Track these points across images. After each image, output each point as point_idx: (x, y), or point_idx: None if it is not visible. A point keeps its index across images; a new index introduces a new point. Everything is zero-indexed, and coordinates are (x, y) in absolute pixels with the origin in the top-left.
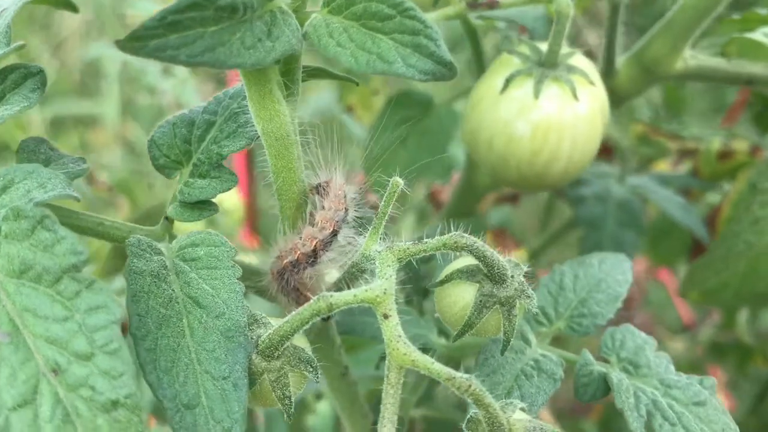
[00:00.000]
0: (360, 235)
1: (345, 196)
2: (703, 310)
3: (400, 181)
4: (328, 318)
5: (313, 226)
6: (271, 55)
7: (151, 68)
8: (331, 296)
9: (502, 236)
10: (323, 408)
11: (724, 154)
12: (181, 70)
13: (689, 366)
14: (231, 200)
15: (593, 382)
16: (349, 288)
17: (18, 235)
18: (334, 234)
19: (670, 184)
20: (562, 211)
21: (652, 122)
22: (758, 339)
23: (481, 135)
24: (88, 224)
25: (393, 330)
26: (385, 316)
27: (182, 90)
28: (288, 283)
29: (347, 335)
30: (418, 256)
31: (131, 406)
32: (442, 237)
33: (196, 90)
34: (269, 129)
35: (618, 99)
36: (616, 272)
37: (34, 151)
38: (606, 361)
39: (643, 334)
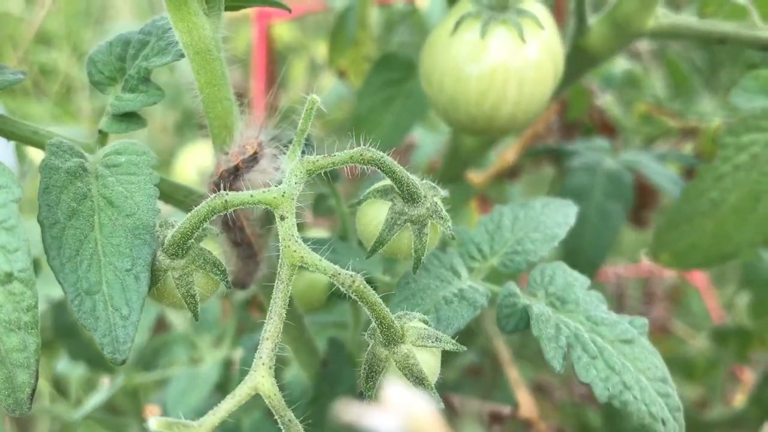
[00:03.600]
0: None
1: (262, 127)
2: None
3: (317, 98)
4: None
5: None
6: None
7: None
8: (227, 194)
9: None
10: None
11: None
12: None
13: (708, 364)
14: None
15: (516, 313)
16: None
17: None
18: (254, 157)
19: (668, 161)
20: None
21: (655, 101)
22: (757, 323)
23: (433, 76)
24: (23, 132)
25: (288, 230)
26: (282, 218)
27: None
28: None
29: None
30: (327, 169)
31: (25, 279)
32: (350, 150)
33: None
34: (189, 41)
35: (591, 59)
36: (557, 215)
37: None
38: (534, 296)
39: (575, 273)
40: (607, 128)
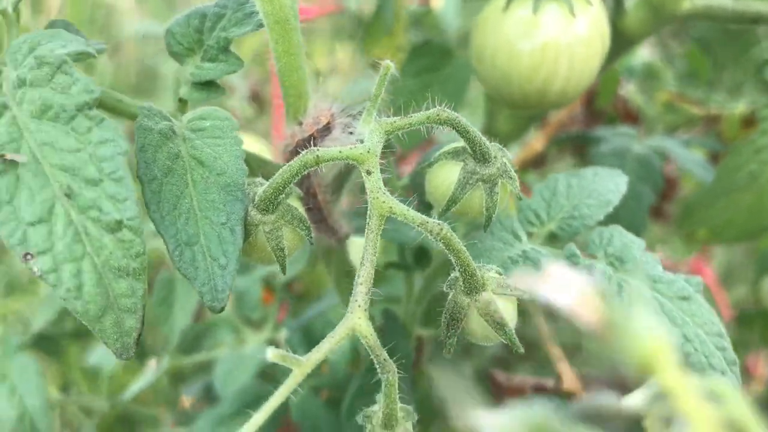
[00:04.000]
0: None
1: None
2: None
3: (391, 64)
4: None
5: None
6: None
7: None
8: (318, 150)
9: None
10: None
11: (748, 120)
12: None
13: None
14: None
15: None
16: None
17: (41, 81)
18: (328, 127)
19: (693, 146)
20: None
21: (678, 90)
22: None
23: (485, 53)
24: (107, 100)
25: (375, 183)
26: (368, 173)
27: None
28: None
29: None
30: (404, 130)
31: (134, 227)
32: (426, 111)
33: (242, 72)
34: (269, 10)
35: (628, 40)
36: (608, 183)
37: (62, 28)
38: (593, 257)
39: (631, 235)
40: (631, 117)
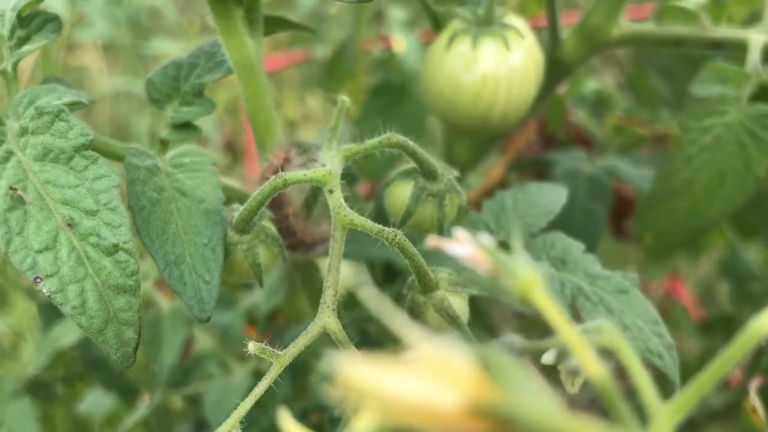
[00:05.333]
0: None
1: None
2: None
3: (347, 100)
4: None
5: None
6: None
7: None
8: (285, 174)
9: None
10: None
11: None
12: (202, 120)
13: (700, 360)
14: None
15: None
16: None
17: (41, 128)
18: (290, 158)
19: (643, 164)
20: None
21: (625, 113)
22: (740, 309)
23: (432, 86)
24: (97, 144)
25: (337, 200)
26: (330, 191)
27: (202, 125)
28: None
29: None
30: (360, 155)
31: (129, 249)
32: (379, 137)
33: (215, 124)
34: (237, 58)
35: (566, 68)
36: (550, 195)
37: (56, 83)
38: (539, 260)
39: (571, 240)
40: (583, 141)
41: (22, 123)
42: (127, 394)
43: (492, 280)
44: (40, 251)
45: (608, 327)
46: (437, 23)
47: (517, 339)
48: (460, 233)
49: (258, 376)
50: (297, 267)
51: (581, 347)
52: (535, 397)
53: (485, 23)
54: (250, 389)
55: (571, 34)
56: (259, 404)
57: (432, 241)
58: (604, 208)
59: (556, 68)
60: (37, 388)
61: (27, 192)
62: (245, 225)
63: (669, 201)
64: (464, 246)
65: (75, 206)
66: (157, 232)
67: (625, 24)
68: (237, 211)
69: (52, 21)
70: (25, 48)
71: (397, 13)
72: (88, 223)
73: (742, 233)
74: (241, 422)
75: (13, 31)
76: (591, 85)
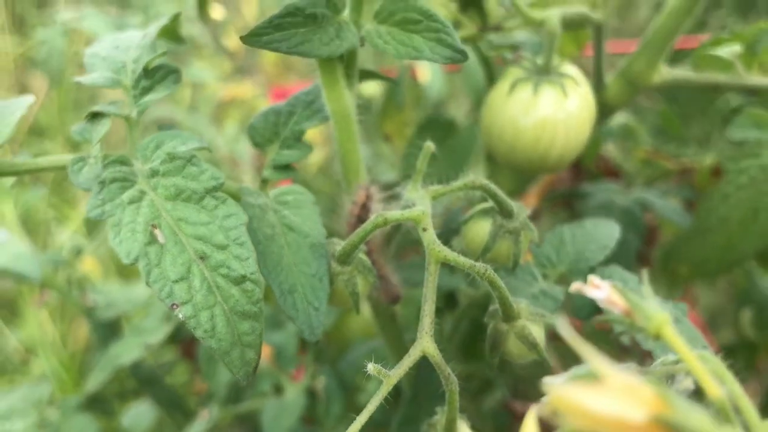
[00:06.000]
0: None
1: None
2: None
3: (432, 145)
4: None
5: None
6: (340, 49)
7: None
8: (386, 213)
9: None
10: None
11: (716, 170)
12: (230, 130)
13: None
14: None
15: (586, 305)
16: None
17: (173, 172)
18: (371, 198)
19: (669, 196)
20: None
21: (653, 147)
22: (761, 334)
23: (493, 129)
24: None
25: (430, 237)
26: (424, 229)
27: (234, 145)
28: None
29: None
30: (445, 196)
31: (255, 280)
32: (462, 180)
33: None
34: (336, 108)
35: (609, 109)
36: (605, 231)
37: (170, 127)
38: None
39: (626, 273)
40: (612, 173)
41: (153, 166)
42: (177, 409)
43: (628, 319)
44: (176, 281)
45: (712, 357)
46: (489, 67)
47: (633, 366)
48: (596, 279)
49: (310, 394)
50: (370, 299)
51: (704, 373)
52: (697, 413)
53: (544, 72)
54: (303, 406)
55: (614, 80)
56: (313, 420)
57: (576, 285)
58: (638, 238)
59: (601, 109)
60: (96, 404)
61: (161, 228)
62: (347, 257)
63: (706, 236)
64: (602, 290)
65: (207, 241)
66: (273, 264)
67: (666, 70)
68: (337, 244)
69: (173, 73)
70: (149, 97)
71: None
72: (218, 257)
73: (762, 263)
74: None
75: (138, 81)
76: (618, 119)
